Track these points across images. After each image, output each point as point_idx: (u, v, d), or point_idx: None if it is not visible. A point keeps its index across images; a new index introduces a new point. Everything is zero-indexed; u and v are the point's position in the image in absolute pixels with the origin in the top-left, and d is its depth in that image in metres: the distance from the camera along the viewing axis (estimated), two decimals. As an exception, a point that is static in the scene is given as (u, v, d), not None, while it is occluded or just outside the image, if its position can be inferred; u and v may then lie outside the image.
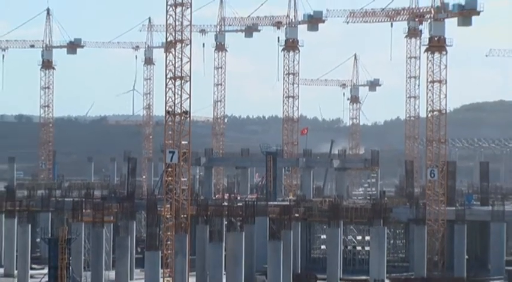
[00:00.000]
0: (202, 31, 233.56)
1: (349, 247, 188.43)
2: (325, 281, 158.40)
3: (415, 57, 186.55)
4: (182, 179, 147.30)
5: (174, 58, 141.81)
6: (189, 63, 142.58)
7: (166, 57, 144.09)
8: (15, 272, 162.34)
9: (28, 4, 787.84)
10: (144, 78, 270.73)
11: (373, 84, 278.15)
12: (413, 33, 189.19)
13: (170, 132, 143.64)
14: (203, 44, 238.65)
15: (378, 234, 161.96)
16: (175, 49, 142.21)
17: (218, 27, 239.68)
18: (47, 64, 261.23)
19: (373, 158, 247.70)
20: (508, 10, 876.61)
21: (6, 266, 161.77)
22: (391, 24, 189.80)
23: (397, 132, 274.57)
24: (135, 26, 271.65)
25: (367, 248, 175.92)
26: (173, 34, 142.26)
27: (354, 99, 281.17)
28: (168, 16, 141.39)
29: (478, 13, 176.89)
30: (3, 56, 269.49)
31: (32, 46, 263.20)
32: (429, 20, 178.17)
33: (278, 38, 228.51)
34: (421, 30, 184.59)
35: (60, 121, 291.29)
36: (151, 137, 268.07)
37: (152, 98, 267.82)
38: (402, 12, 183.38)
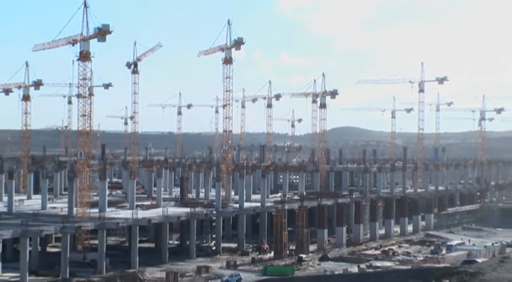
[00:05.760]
0: (237, 101, 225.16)
1: (292, 180, 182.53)
2: (281, 191, 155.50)
3: (315, 110, 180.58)
4: (229, 155, 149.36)
5: (227, 111, 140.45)
6: (231, 112, 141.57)
7: (223, 111, 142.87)
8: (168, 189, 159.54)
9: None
10: (215, 120, 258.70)
11: (299, 121, 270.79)
12: (315, 100, 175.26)
13: (224, 138, 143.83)
14: (236, 106, 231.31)
15: (301, 176, 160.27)
16: (227, 107, 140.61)
17: (242, 98, 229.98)
18: (179, 112, 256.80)
19: (299, 148, 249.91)
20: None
21: (164, 187, 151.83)
22: (306, 99, 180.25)
23: (308, 139, 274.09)
24: (215, 98, 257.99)
25: (298, 182, 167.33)
26: (225, 102, 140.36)
27: (292, 126, 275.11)
28: (224, 96, 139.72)
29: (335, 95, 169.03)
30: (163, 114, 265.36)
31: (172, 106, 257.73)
32: (319, 99, 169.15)
33: (265, 102, 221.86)
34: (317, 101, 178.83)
35: (184, 134, 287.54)
36: (217, 140, 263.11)
37: (218, 126, 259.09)
38: (310, 93, 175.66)
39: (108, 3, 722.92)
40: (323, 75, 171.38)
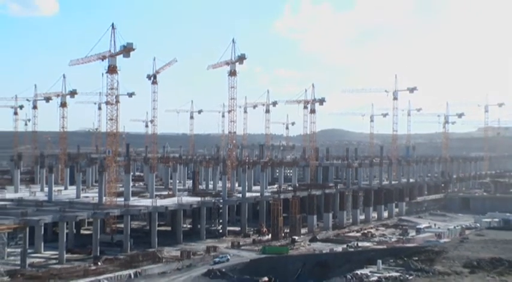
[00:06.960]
0: (240, 107, 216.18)
1: (287, 174, 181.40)
2: (278, 183, 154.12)
3: (306, 115, 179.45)
4: (233, 153, 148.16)
5: (232, 116, 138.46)
6: (235, 117, 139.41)
7: (229, 115, 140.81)
8: (182, 182, 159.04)
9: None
10: (221, 123, 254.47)
11: (292, 124, 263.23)
12: (306, 106, 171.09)
13: (229, 138, 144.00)
14: (240, 111, 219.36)
15: (295, 170, 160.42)
16: (232, 112, 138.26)
17: (245, 105, 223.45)
18: (191, 116, 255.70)
19: (293, 147, 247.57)
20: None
21: (179, 180, 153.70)
22: (298, 106, 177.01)
23: (300, 139, 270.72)
24: (222, 104, 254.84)
25: (291, 175, 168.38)
26: (230, 108, 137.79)
27: (286, 128, 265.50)
28: (229, 103, 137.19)
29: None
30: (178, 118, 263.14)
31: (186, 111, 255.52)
32: (309, 105, 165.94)
33: (264, 108, 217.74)
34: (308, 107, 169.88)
35: (195, 135, 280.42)
36: (223, 140, 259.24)
37: (224, 128, 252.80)
38: (301, 101, 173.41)
39: (131, 23, 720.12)
40: (313, 86, 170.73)
